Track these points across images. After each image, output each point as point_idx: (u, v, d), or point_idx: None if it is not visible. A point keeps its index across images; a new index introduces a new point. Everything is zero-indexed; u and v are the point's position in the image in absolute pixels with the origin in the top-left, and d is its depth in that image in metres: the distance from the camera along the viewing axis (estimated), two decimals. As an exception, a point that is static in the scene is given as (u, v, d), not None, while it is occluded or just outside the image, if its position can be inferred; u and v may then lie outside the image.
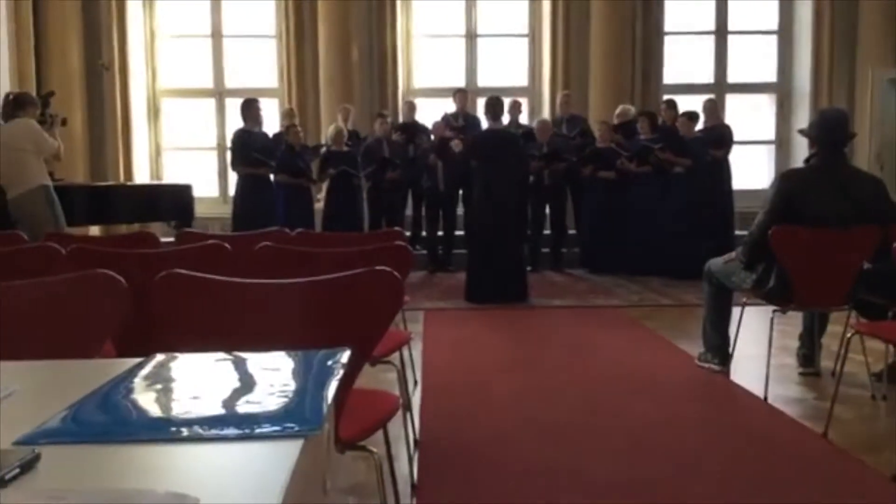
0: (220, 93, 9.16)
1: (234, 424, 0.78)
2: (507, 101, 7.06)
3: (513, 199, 5.81)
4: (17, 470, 0.66)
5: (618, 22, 8.49)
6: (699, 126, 7.11)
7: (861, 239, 3.17)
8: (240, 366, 1.03)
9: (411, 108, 7.85)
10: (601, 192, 7.24)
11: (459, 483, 2.43)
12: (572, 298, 6.01)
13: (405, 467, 2.48)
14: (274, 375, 0.98)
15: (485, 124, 6.20)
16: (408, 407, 2.70)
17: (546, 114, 8.53)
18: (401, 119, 7.83)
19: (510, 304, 5.68)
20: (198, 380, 0.99)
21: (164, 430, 0.77)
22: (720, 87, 9.11)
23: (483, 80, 9.15)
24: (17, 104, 5.05)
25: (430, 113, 8.04)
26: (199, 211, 7.44)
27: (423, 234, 7.56)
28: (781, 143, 9.22)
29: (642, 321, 5.07)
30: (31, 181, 4.94)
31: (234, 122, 7.34)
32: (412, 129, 7.56)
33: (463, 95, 7.88)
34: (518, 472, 2.50)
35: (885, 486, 2.37)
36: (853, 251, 3.20)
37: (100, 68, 8.31)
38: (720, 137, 7.02)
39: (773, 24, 9.22)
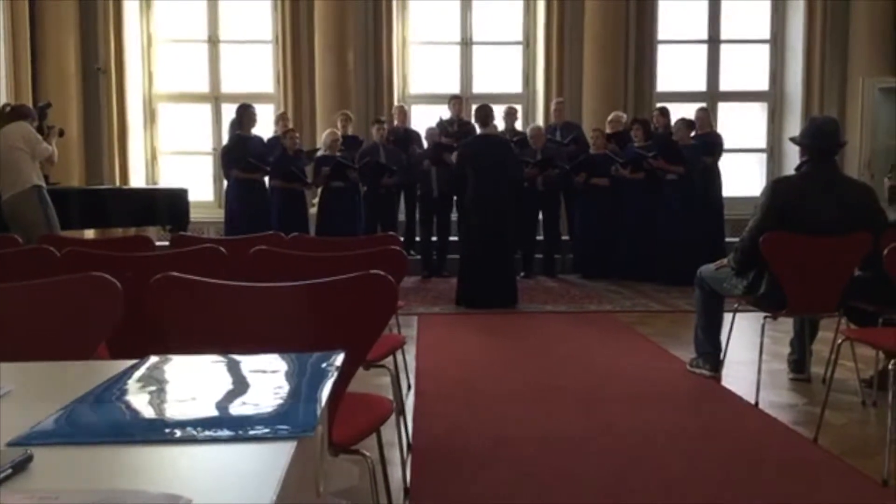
0: (216, 97, 9.16)
1: (228, 426, 0.78)
2: (502, 108, 7.10)
3: (504, 204, 5.82)
4: (10, 471, 0.66)
5: (611, 30, 8.53)
6: (692, 133, 7.14)
7: (852, 246, 3.19)
8: (233, 368, 1.04)
9: (402, 112, 7.86)
10: (594, 198, 7.26)
11: (452, 487, 2.43)
12: (565, 304, 6.03)
13: (398, 471, 2.49)
14: (268, 378, 0.98)
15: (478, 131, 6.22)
16: (401, 411, 2.71)
17: (540, 121, 8.56)
18: (395, 124, 7.84)
19: (503, 309, 5.70)
20: (191, 381, 1.00)
21: (158, 432, 0.78)
22: (713, 95, 9.16)
23: (478, 87, 9.18)
24: (13, 116, 5.04)
25: (425, 119, 8.06)
26: (194, 215, 7.43)
27: (418, 239, 7.57)
28: (773, 151, 9.28)
29: (635, 327, 5.09)
30: (24, 182, 4.92)
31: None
32: (404, 138, 7.57)
33: (458, 102, 7.91)
34: (511, 477, 2.50)
35: (875, 490, 2.39)
36: (844, 258, 3.22)
37: (96, 72, 8.30)
38: (711, 145, 7.07)
39: (766, 33, 9.29)
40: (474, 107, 8.39)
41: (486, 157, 5.79)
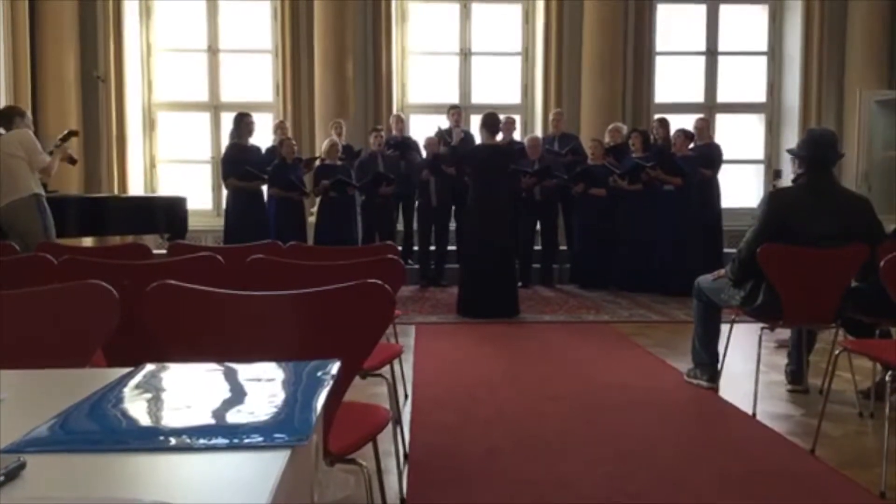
0: (215, 106, 9.18)
1: (223, 434, 0.78)
2: (501, 119, 7.11)
3: (504, 214, 5.82)
4: (2, 478, 0.66)
5: (610, 42, 8.57)
6: (690, 145, 7.17)
7: (849, 257, 3.20)
8: (229, 376, 1.04)
9: (399, 122, 7.89)
10: (592, 208, 7.27)
11: (449, 497, 2.42)
12: (563, 314, 6.02)
13: (395, 481, 2.48)
14: (263, 386, 0.98)
15: (478, 139, 6.23)
16: (398, 420, 2.70)
17: (539, 131, 8.58)
18: (392, 133, 7.86)
19: (501, 318, 5.69)
20: (187, 389, 1.00)
21: (153, 440, 0.77)
22: (710, 107, 9.20)
23: (477, 97, 9.20)
24: (2, 117, 5.07)
25: (424, 128, 8.08)
26: (193, 223, 7.43)
27: (416, 248, 7.57)
28: (770, 163, 9.31)
29: (632, 337, 5.08)
30: (23, 189, 4.92)
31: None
32: (403, 146, 7.59)
33: (457, 112, 7.93)
34: (508, 487, 2.49)
35: (872, 502, 2.38)
36: (841, 270, 3.23)
37: (95, 80, 8.31)
38: (710, 156, 7.09)
39: (763, 45, 9.33)
40: (473, 117, 8.46)
41: (487, 166, 5.79)
